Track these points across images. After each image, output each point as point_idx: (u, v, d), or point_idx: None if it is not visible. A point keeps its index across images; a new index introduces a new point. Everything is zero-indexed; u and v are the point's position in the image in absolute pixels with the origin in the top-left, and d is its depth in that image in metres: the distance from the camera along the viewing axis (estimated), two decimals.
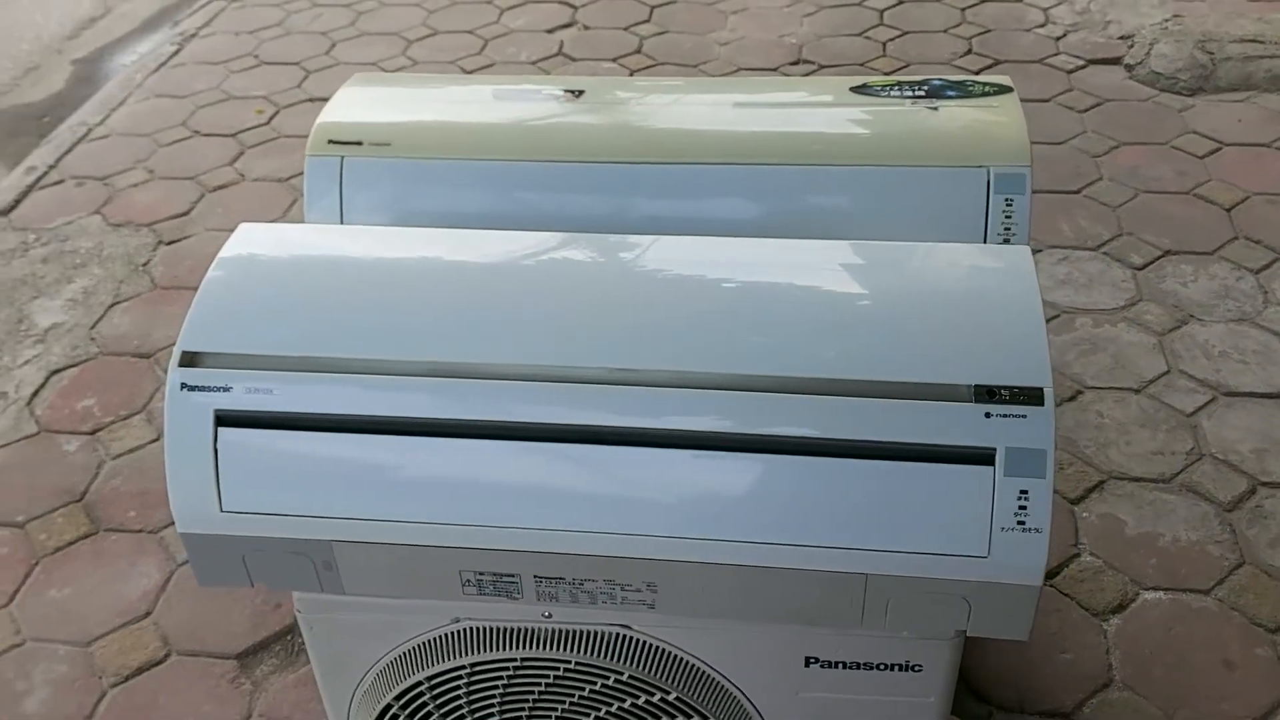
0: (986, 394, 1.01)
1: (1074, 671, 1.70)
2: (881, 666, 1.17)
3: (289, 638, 1.81)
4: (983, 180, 1.33)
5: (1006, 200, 1.33)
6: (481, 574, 1.11)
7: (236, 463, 1.08)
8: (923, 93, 1.47)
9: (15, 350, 2.41)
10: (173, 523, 1.97)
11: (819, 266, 1.15)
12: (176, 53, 3.61)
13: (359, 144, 1.43)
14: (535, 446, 1.05)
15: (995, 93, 1.47)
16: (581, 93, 1.52)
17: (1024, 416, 1.00)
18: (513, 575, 1.10)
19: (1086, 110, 3.10)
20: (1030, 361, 1.02)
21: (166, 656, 1.79)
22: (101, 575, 1.92)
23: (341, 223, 1.38)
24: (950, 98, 1.45)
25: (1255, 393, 2.15)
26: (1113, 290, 2.43)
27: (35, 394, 2.29)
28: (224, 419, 1.08)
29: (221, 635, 1.81)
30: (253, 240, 1.21)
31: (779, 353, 1.05)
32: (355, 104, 1.51)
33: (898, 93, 1.47)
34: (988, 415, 1.00)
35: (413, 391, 1.07)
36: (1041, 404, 1.00)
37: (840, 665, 1.17)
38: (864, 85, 1.50)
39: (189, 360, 1.09)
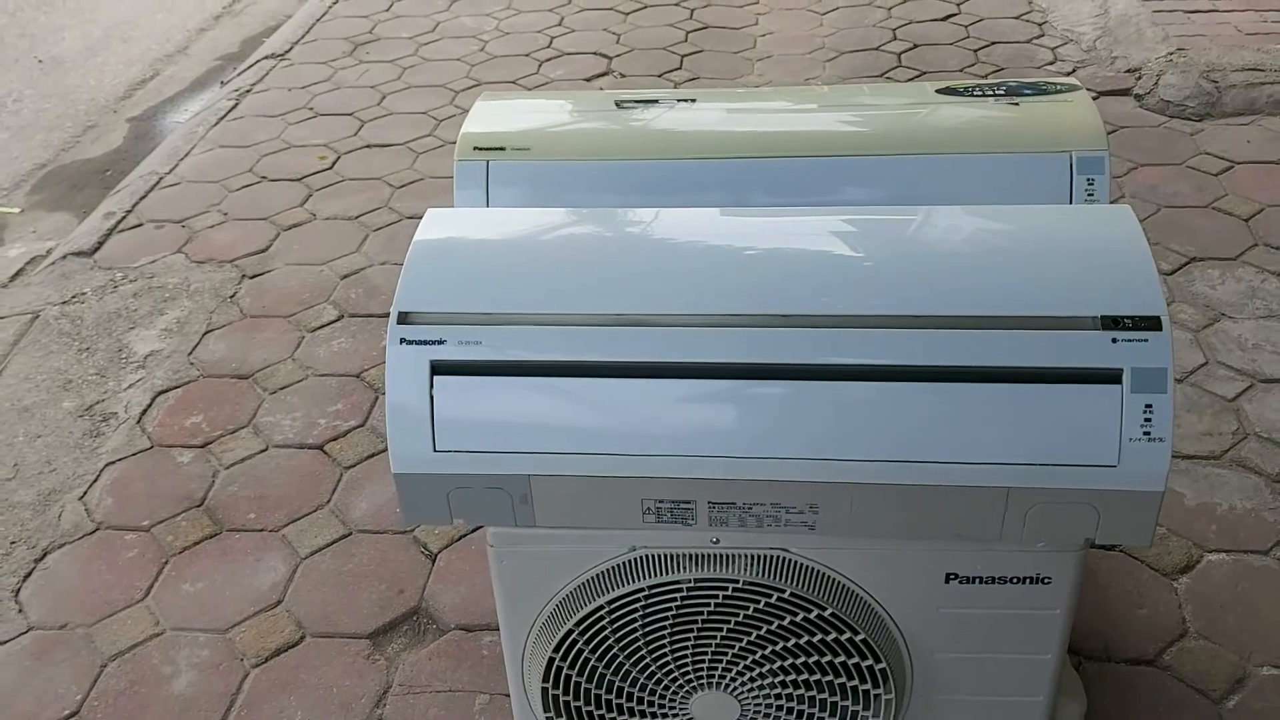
0: (1112, 322, 1.17)
1: (1152, 624, 1.84)
2: (1015, 580, 1.31)
3: (415, 618, 1.93)
4: (1066, 164, 1.50)
5: (1088, 180, 1.51)
6: (661, 501, 1.25)
7: (449, 407, 1.23)
8: (1002, 92, 1.65)
9: (119, 376, 2.55)
10: (291, 522, 2.11)
11: (954, 224, 1.32)
12: (234, 107, 3.80)
13: (502, 149, 1.60)
14: (714, 384, 1.20)
15: (1066, 90, 1.65)
16: (694, 100, 1.70)
17: (1146, 341, 1.16)
18: (689, 502, 1.25)
19: None
20: (1147, 295, 1.18)
21: (302, 639, 1.90)
22: (230, 570, 2.04)
23: None
24: (1027, 95, 1.63)
25: None
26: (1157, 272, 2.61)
27: (144, 413, 2.42)
28: (439, 368, 1.22)
29: (351, 618, 1.93)
30: (442, 221, 1.37)
31: (929, 293, 1.21)
32: (492, 116, 1.68)
33: (980, 93, 1.65)
34: (1114, 340, 1.16)
35: (602, 339, 1.22)
36: (1160, 329, 1.16)
37: (977, 580, 1.31)
38: (948, 88, 1.68)
39: (404, 319, 1.24)
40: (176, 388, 2.50)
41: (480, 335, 1.23)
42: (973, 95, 1.65)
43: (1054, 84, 1.67)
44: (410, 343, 1.23)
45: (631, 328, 1.22)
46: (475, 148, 1.62)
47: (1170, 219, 2.88)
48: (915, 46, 3.94)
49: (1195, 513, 2.04)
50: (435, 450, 1.23)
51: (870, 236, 1.32)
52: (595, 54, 4.05)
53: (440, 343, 1.23)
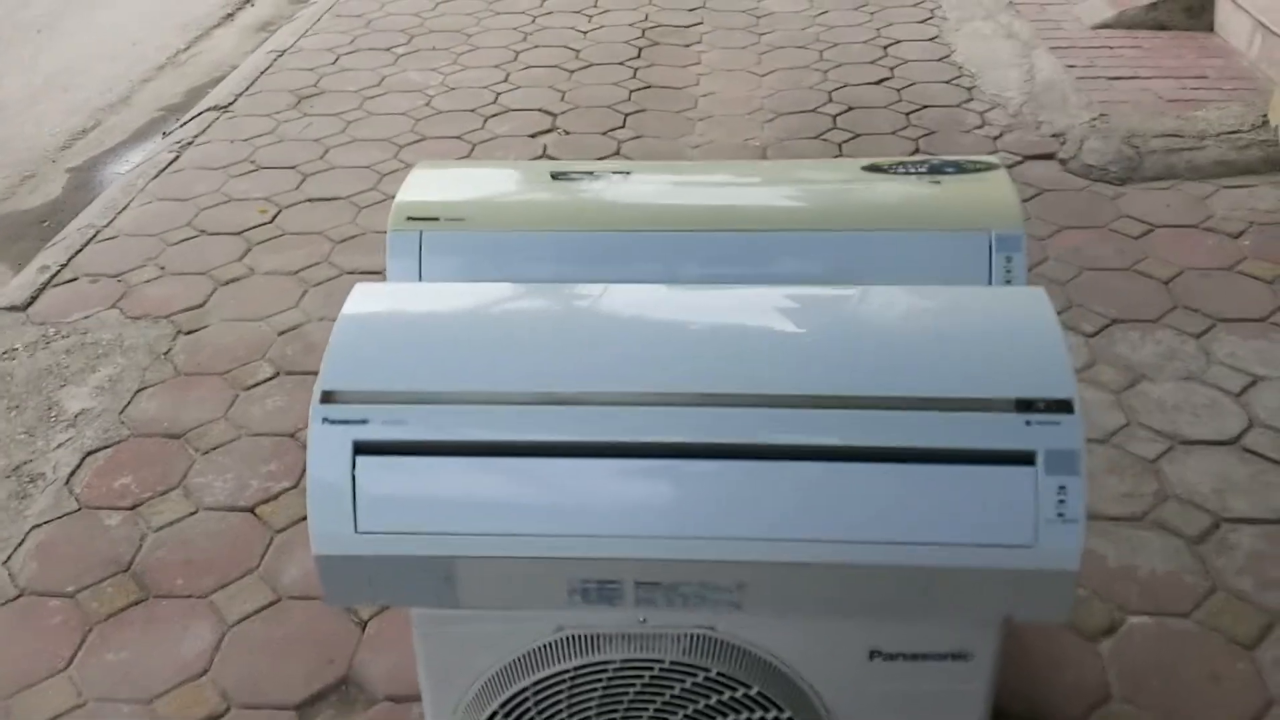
0: (1026, 405, 1.20)
1: (1077, 688, 1.87)
2: (936, 656, 1.33)
3: (344, 688, 1.90)
4: (985, 242, 1.55)
5: (1007, 258, 1.55)
6: (587, 581, 1.25)
7: (372, 488, 1.22)
8: (924, 170, 1.70)
9: (48, 435, 2.50)
10: (220, 588, 2.08)
11: (873, 305, 1.35)
12: (175, 159, 3.78)
13: (436, 220, 1.61)
14: (638, 464, 1.22)
15: (986, 169, 1.70)
16: (628, 173, 1.73)
17: (1058, 423, 1.19)
18: (615, 581, 1.25)
19: (1028, 200, 3.40)
20: (1059, 378, 1.22)
21: (227, 710, 1.87)
22: (156, 638, 2.00)
23: None
24: (949, 173, 1.69)
25: (1208, 440, 2.38)
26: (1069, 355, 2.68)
27: (72, 474, 2.38)
28: (361, 448, 1.22)
29: (278, 688, 1.90)
30: (370, 296, 1.37)
31: (849, 375, 1.23)
32: (427, 185, 1.70)
33: (903, 170, 1.70)
34: (1028, 423, 1.19)
35: (528, 418, 1.23)
36: (1072, 412, 1.20)
37: (900, 657, 1.33)
38: (873, 165, 1.73)
39: (328, 398, 1.24)
40: (107, 448, 2.46)
41: (405, 415, 1.23)
42: (896, 172, 1.70)
43: (974, 162, 1.72)
44: (333, 422, 1.23)
45: (555, 406, 1.23)
46: (409, 217, 1.63)
47: (1092, 281, 2.96)
48: (850, 109, 4.03)
49: (1117, 574, 2.08)
50: (357, 532, 1.23)
51: (792, 317, 1.34)
52: (540, 111, 4.09)
53: (364, 422, 1.23)
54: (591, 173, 1.72)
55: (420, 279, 1.58)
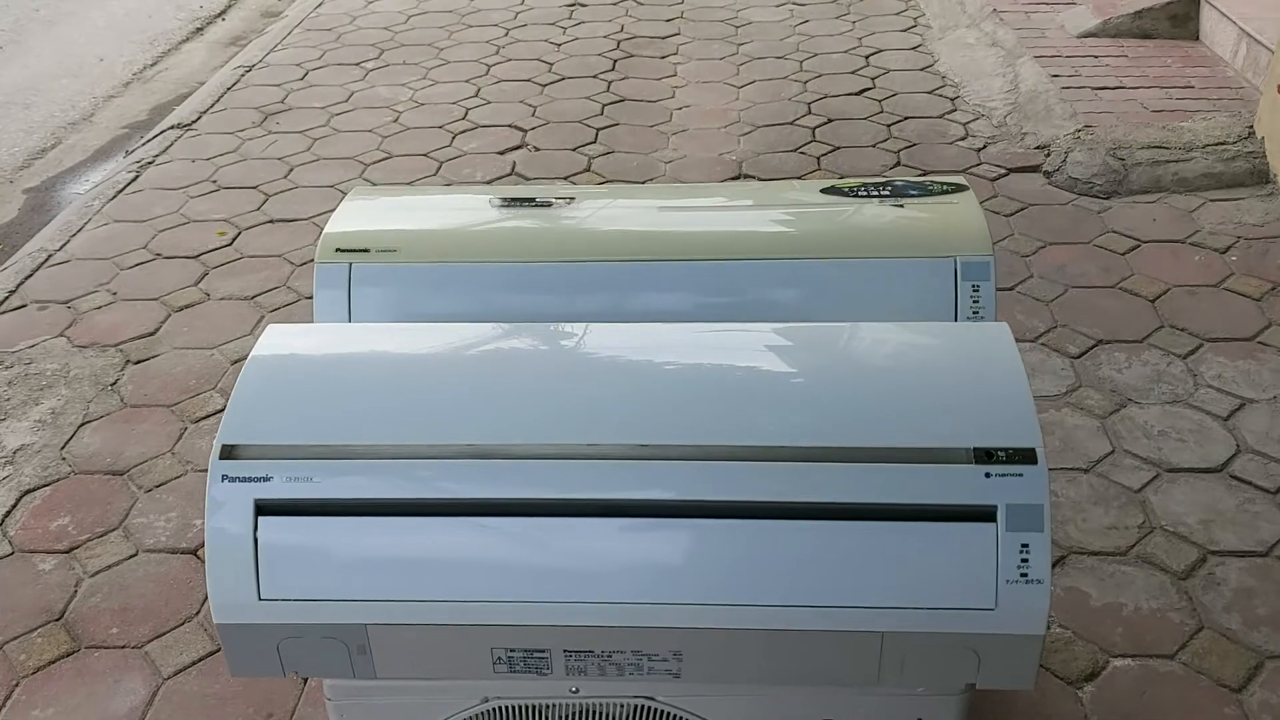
0: (985, 455, 1.10)
1: None
2: None
3: None
4: (951, 269, 1.45)
5: (974, 286, 1.45)
6: (512, 650, 1.15)
7: (276, 550, 1.12)
8: (887, 192, 1.60)
9: None
10: (156, 637, 1.97)
11: (821, 346, 1.25)
12: (134, 179, 3.67)
13: (366, 251, 1.51)
14: (565, 522, 1.11)
15: (952, 190, 1.61)
16: (572, 199, 1.63)
17: (1020, 475, 1.09)
18: (543, 650, 1.15)
19: (1012, 214, 3.31)
20: (1021, 424, 1.12)
21: None
22: (86, 693, 1.89)
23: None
24: (912, 196, 1.59)
25: (1196, 468, 2.28)
26: (1054, 378, 2.58)
27: (7, 515, 2.27)
28: (264, 508, 1.12)
29: None
30: (281, 339, 1.27)
31: (792, 425, 1.13)
32: (359, 215, 1.60)
33: (864, 193, 1.60)
34: (988, 475, 1.09)
35: (445, 474, 1.13)
36: (1035, 463, 1.09)
37: None
38: (832, 187, 1.63)
39: (228, 453, 1.14)
40: (45, 486, 2.35)
41: (311, 471, 1.13)
42: (857, 195, 1.60)
43: (940, 184, 1.63)
44: (233, 480, 1.13)
45: (475, 461, 1.13)
46: (338, 249, 1.54)
47: (1077, 300, 2.86)
48: (830, 121, 3.94)
49: (1101, 614, 1.98)
50: (260, 599, 1.13)
51: (734, 360, 1.24)
52: (510, 127, 3.99)
53: (266, 480, 1.13)
54: (534, 199, 1.62)
55: (350, 314, 1.48)
